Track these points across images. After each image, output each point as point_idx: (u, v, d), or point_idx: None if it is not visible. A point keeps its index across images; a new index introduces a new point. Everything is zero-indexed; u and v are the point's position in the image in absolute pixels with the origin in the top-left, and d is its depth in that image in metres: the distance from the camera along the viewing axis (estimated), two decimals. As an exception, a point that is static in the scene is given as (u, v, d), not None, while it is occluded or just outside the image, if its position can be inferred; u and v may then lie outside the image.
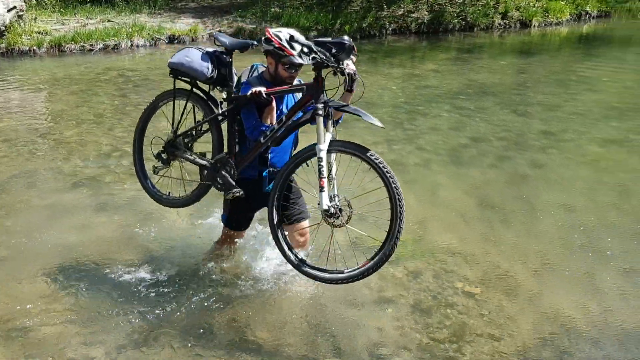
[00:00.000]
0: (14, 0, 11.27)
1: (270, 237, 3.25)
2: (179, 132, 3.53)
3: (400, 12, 14.85)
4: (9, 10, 11.07)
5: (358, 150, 2.93)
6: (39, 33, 11.55)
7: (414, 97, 8.61)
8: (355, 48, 2.95)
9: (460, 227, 4.58)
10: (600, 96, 8.90)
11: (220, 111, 3.39)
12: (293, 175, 3.27)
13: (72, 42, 11.41)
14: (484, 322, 3.39)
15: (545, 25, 16.13)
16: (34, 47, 11.14)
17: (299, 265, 3.15)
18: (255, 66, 3.41)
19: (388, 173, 2.86)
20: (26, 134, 6.55)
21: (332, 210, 2.94)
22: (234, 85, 3.33)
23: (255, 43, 3.28)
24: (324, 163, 2.90)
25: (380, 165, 2.87)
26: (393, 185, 2.85)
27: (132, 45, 11.92)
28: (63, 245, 4.14)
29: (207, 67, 3.24)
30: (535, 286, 3.78)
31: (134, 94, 8.42)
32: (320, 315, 3.44)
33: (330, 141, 2.95)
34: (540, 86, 9.55)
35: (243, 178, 3.34)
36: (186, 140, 3.54)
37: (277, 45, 3.06)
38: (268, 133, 3.13)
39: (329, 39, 2.92)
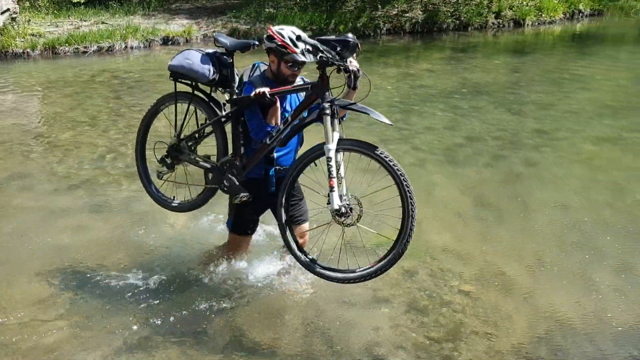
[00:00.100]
0: (7, 2, 11.23)
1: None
2: (182, 136, 3.49)
3: (394, 12, 14.86)
4: (2, 13, 11.02)
5: (367, 148, 2.90)
6: (33, 35, 11.50)
7: (408, 96, 8.63)
8: (359, 45, 2.94)
9: (455, 226, 4.59)
10: (594, 94, 8.94)
11: (223, 113, 3.35)
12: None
13: (66, 45, 11.36)
14: (480, 321, 3.40)
15: (538, 24, 16.17)
16: (28, 50, 11.10)
17: (310, 265, 3.13)
18: (256, 65, 3.36)
19: (399, 171, 2.84)
20: (20, 137, 6.53)
21: (343, 209, 2.91)
22: (237, 85, 3.29)
23: (257, 43, 3.24)
24: (332, 163, 2.88)
25: (391, 163, 2.84)
26: (404, 183, 2.82)
27: (126, 47, 11.88)
28: (57, 247, 4.13)
29: (208, 69, 3.21)
30: (530, 284, 3.79)
31: (128, 96, 8.41)
32: (315, 316, 3.44)
33: (338, 140, 2.92)
34: (534, 85, 9.58)
35: (249, 178, 3.31)
36: (190, 144, 3.50)
37: (279, 43, 3.04)
38: (274, 133, 3.10)
39: (333, 37, 2.92)
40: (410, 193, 2.83)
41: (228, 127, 3.36)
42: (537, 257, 4.12)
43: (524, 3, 16.36)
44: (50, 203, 4.85)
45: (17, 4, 11.91)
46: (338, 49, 2.88)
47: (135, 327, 3.28)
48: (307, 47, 2.96)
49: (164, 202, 3.72)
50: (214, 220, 4.42)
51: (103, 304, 3.48)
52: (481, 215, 4.78)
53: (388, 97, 8.43)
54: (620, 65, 11.37)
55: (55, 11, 13.52)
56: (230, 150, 3.36)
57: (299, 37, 2.99)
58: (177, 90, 3.43)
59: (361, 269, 3.03)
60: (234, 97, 3.26)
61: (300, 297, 3.59)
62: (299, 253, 3.15)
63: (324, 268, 3.11)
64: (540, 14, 16.32)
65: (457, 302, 3.57)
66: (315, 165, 3.10)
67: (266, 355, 3.12)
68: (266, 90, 3.04)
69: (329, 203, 2.93)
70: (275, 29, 3.08)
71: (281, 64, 3.12)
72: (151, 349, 3.12)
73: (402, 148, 6.30)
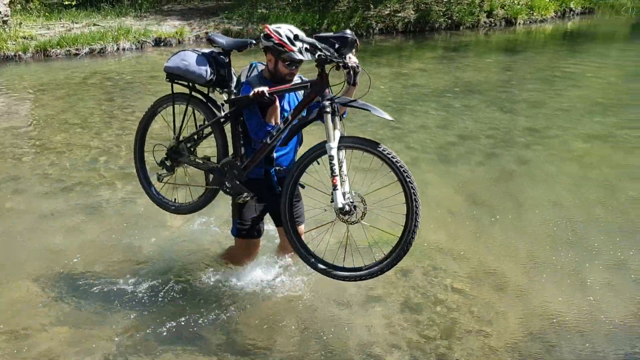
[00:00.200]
0: (-2, 5, 11.19)
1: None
2: (181, 138, 3.47)
3: (386, 12, 14.90)
4: (-7, 16, 10.98)
5: (369, 145, 2.89)
6: (24, 38, 11.44)
7: (401, 96, 8.66)
8: (358, 41, 2.93)
9: (448, 225, 4.61)
10: (585, 92, 9.00)
11: (222, 114, 3.33)
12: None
13: (58, 47, 11.31)
14: (474, 319, 3.42)
15: (530, 22, 16.26)
16: (20, 52, 11.03)
17: (315, 263, 3.11)
18: (254, 65, 3.33)
19: (402, 167, 2.82)
20: (12, 139, 6.49)
21: (347, 207, 2.89)
22: (234, 85, 3.27)
23: (254, 42, 3.22)
24: (335, 161, 2.86)
25: (393, 160, 2.83)
26: (407, 180, 2.81)
27: (118, 48, 11.85)
28: (50, 250, 4.11)
29: (205, 70, 3.18)
30: (523, 282, 3.81)
31: (120, 98, 8.38)
32: (310, 316, 3.45)
33: (340, 137, 2.91)
34: (526, 83, 9.63)
35: (249, 178, 3.29)
36: (189, 145, 3.48)
37: (276, 42, 3.02)
38: (274, 133, 3.08)
39: (331, 34, 2.89)
40: (414, 189, 2.82)
41: (228, 128, 3.34)
42: (530, 255, 4.14)
43: (516, 2, 16.45)
44: (42, 206, 4.83)
45: (9, 6, 11.86)
46: (336, 45, 2.86)
47: (129, 332, 3.26)
48: (305, 45, 2.93)
49: (164, 204, 3.69)
50: (208, 223, 4.42)
51: (96, 308, 3.47)
52: (474, 214, 4.80)
53: (381, 96, 8.44)
54: (610, 62, 11.45)
55: (46, 14, 13.46)
56: (230, 151, 3.35)
57: (296, 36, 2.97)
58: (174, 91, 3.39)
59: (367, 266, 3.01)
60: (232, 97, 3.24)
61: (295, 296, 3.59)
62: (303, 251, 3.14)
63: (330, 266, 3.09)
64: (531, 12, 16.42)
65: (451, 301, 3.59)
66: (318, 163, 3.07)
67: (260, 356, 3.12)
68: (265, 89, 3.02)
69: (332, 201, 2.91)
70: (272, 27, 3.06)
71: (278, 63, 3.11)
72: (145, 353, 3.12)
73: (395, 147, 6.30)
